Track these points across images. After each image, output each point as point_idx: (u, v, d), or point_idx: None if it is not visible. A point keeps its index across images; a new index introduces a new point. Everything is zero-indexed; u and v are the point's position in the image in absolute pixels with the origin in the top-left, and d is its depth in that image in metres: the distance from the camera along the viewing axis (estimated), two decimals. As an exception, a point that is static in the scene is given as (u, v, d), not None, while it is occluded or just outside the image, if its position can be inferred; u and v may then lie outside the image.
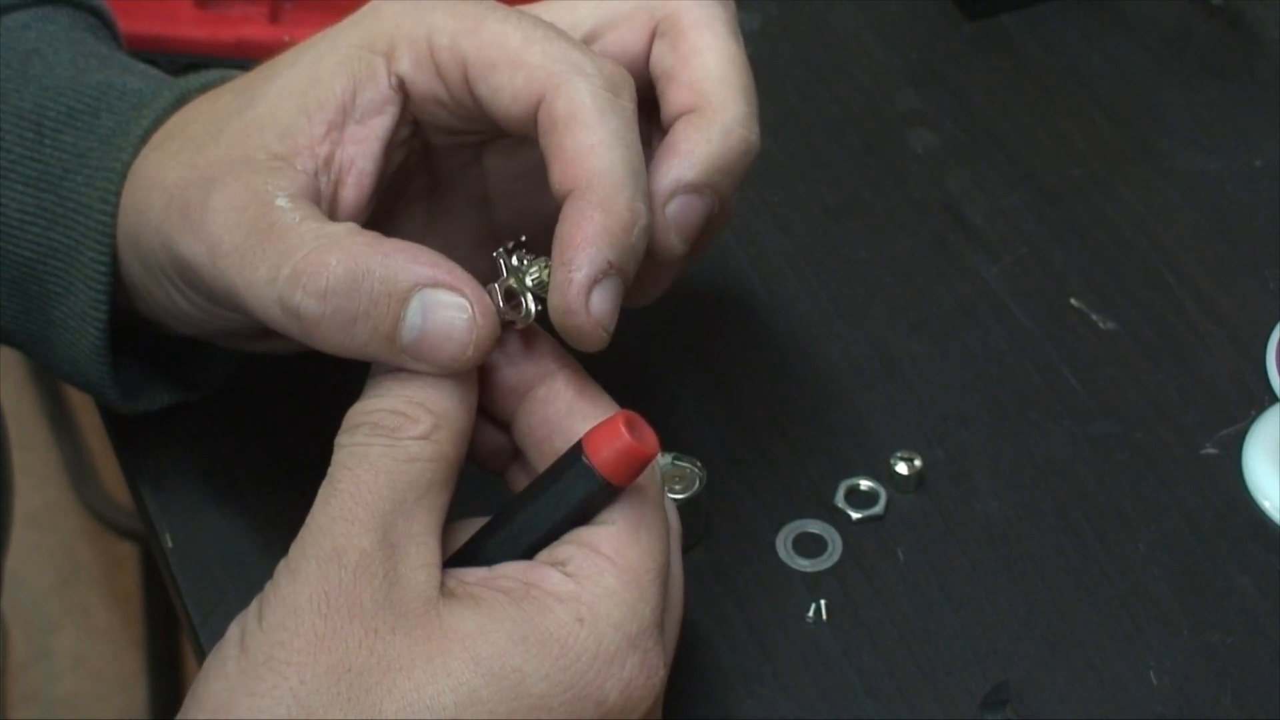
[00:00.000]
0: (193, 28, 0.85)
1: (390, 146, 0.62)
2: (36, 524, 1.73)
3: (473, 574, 0.56)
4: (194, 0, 0.86)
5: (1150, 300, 0.76)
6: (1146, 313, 0.76)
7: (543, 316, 0.58)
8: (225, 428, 0.71)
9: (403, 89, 0.61)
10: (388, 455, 0.55)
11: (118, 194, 0.63)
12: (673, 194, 0.60)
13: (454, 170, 0.66)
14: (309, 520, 0.55)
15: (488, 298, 0.57)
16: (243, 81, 0.63)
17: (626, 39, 0.63)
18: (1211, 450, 0.71)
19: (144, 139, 0.64)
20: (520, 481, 0.61)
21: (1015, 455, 0.71)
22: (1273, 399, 0.72)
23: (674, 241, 0.61)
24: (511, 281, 0.58)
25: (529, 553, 0.57)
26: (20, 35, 0.66)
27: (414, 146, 0.63)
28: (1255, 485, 0.69)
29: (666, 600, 0.57)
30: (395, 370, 0.57)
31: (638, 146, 0.58)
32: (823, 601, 0.66)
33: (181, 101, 0.65)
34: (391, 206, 0.65)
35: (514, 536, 0.57)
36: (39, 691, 1.66)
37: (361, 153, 0.61)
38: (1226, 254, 0.78)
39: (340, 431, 0.57)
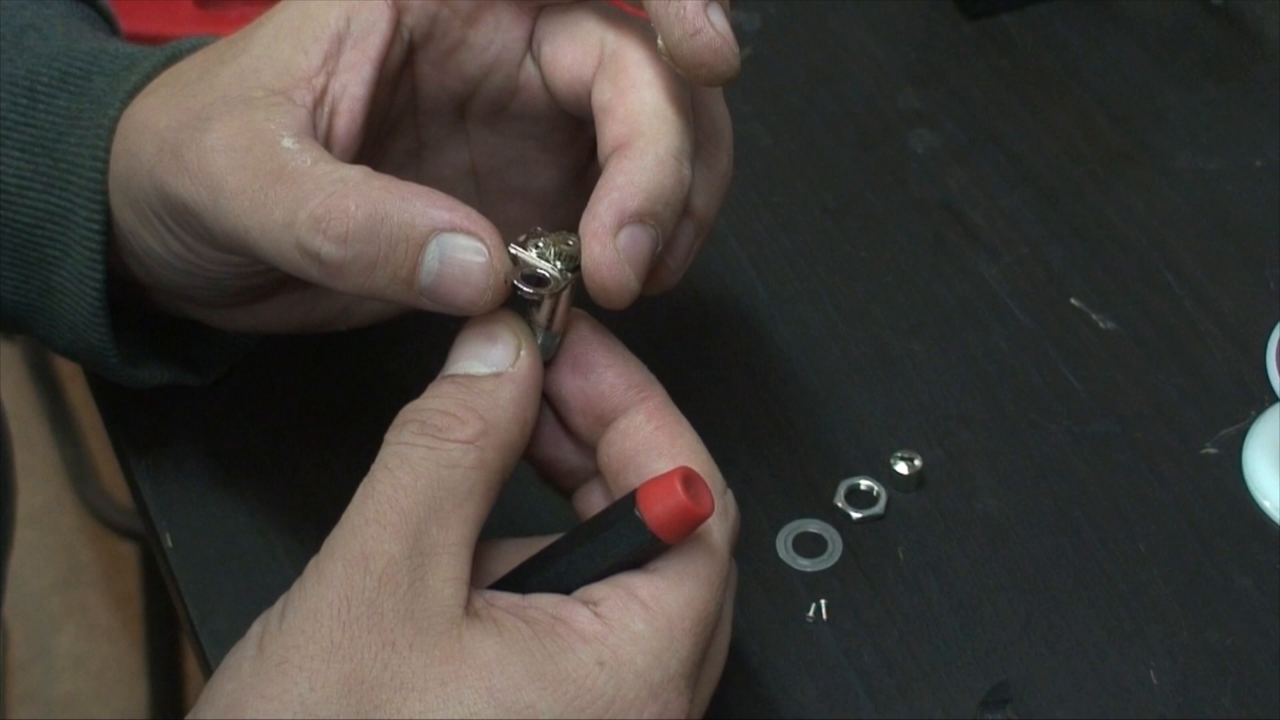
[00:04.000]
0: (193, 28, 0.85)
1: (382, 68, 0.61)
2: (36, 524, 1.73)
3: (504, 598, 0.56)
4: (194, 0, 0.86)
5: (1150, 300, 0.76)
6: (1146, 313, 0.76)
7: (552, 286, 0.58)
8: (226, 428, 0.71)
9: (397, 5, 0.61)
10: (429, 459, 0.55)
11: (107, 149, 0.63)
12: (620, 225, 0.58)
13: (439, 135, 0.66)
14: (344, 518, 0.55)
15: (503, 243, 0.57)
16: (237, 33, 0.64)
17: (577, 60, 0.62)
18: (1211, 450, 0.71)
19: (133, 93, 0.64)
20: (587, 506, 0.61)
21: (1015, 455, 0.71)
22: (1273, 399, 0.72)
23: (629, 276, 0.58)
24: (535, 250, 0.58)
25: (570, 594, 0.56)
26: (16, 13, 0.66)
27: (403, 92, 0.63)
28: (1255, 485, 0.69)
29: (708, 651, 0.56)
30: (457, 375, 0.57)
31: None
32: (823, 601, 0.66)
33: (173, 60, 0.65)
34: (377, 168, 0.65)
35: (558, 577, 0.56)
36: (39, 691, 1.66)
37: (354, 79, 0.61)
38: (1226, 254, 0.78)
39: (391, 427, 0.56)
